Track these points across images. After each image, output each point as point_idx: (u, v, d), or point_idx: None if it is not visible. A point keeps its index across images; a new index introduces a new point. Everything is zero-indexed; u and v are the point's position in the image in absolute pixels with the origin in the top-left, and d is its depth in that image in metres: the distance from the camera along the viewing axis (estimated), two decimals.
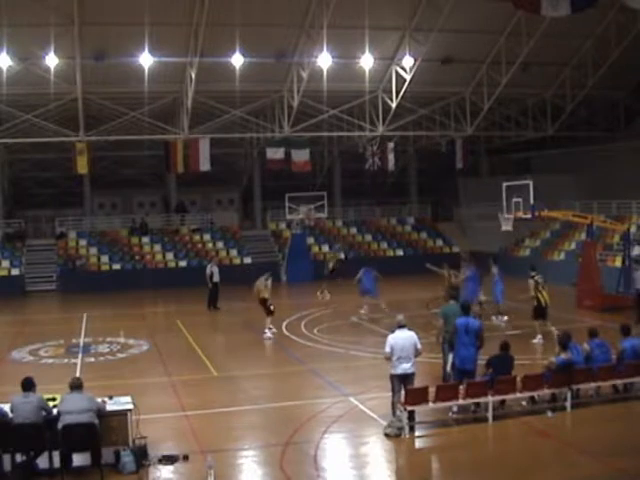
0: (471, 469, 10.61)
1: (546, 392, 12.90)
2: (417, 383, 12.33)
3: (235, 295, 27.31)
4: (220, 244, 37.97)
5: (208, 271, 26.60)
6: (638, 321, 19.77)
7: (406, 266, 25.92)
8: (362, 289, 23.85)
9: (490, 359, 13.05)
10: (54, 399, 10.84)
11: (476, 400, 12.44)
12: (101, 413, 10.48)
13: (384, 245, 39.25)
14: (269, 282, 21.45)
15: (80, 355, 18.73)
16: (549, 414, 12.54)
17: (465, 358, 12.91)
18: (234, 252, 37.38)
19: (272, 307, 21.24)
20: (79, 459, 10.40)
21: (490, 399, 12.30)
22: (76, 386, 10.48)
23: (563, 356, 12.97)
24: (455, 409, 12.53)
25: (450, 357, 13.57)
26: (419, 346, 12.31)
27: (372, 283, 23.77)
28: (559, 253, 32.90)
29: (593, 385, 13.30)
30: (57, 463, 10.19)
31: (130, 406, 10.95)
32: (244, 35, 26.26)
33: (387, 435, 11.70)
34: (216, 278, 26.45)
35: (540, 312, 18.70)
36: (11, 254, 35.22)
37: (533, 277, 19.03)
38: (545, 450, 11.07)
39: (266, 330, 20.81)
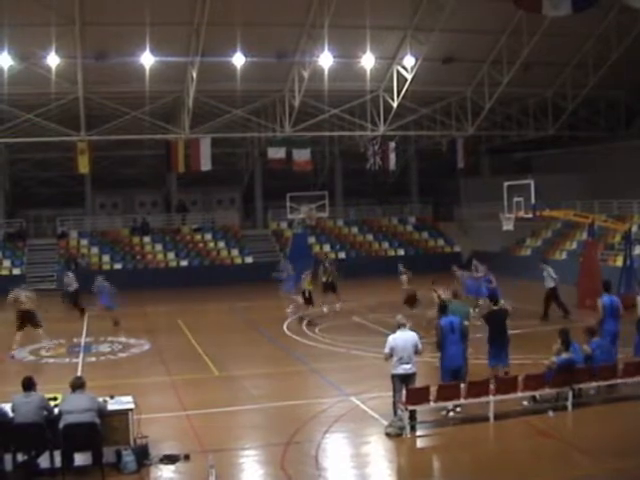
0: (472, 469, 10.62)
1: (547, 392, 12.90)
2: (418, 383, 12.31)
3: (236, 295, 27.31)
4: (221, 244, 38.00)
5: (66, 281, 25.93)
6: (544, 317, 21.44)
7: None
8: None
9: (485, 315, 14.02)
10: (55, 399, 10.84)
11: (477, 400, 12.43)
12: (102, 413, 10.48)
13: (385, 245, 39.26)
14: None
15: (81, 355, 18.74)
16: (550, 414, 12.53)
17: (453, 355, 13.01)
18: (235, 252, 37.42)
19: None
20: (80, 459, 10.40)
21: (491, 398, 12.30)
22: (78, 385, 10.48)
23: (564, 355, 12.96)
24: (457, 409, 12.53)
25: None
26: (420, 346, 12.32)
27: None
28: (560, 253, 32.90)
29: (594, 385, 13.29)
30: (58, 463, 10.19)
31: (131, 405, 10.95)
32: (245, 35, 26.25)
33: (388, 435, 11.70)
34: (72, 287, 25.51)
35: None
36: (12, 254, 35.26)
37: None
38: (546, 450, 11.06)
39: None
